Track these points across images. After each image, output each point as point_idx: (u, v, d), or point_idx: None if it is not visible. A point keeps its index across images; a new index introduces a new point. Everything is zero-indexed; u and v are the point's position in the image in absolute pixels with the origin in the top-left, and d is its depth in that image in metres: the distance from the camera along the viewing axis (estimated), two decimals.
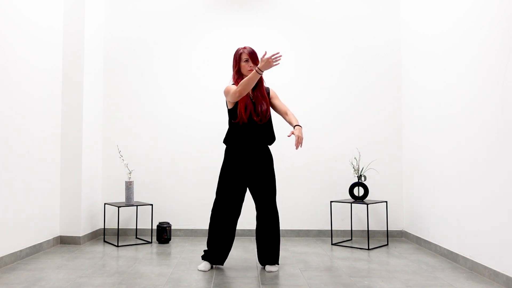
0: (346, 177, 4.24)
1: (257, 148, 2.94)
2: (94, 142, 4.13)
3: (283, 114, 3.01)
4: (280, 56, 2.61)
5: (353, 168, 3.95)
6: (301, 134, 2.82)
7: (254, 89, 2.96)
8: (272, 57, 2.61)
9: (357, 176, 3.91)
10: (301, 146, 2.82)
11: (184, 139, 4.33)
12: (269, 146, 3.02)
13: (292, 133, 2.82)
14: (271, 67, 2.63)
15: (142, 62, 4.38)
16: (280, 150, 4.32)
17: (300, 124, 2.92)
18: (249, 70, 2.90)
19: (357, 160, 4.05)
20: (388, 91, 4.33)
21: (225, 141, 2.99)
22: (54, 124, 3.72)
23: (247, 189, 3.01)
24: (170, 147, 4.33)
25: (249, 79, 2.68)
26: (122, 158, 4.13)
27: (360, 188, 4.14)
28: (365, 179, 3.92)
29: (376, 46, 4.36)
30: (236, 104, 2.90)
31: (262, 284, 2.64)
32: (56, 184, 3.76)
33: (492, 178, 2.71)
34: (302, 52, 4.38)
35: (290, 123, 2.94)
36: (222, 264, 3.03)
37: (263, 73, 2.68)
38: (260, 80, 2.97)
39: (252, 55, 2.92)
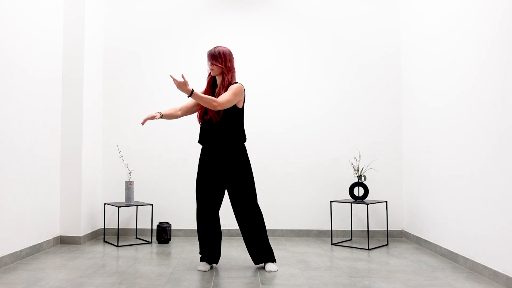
0: (346, 177, 4.24)
1: (220, 146, 2.94)
2: (94, 142, 4.13)
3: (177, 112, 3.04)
4: (151, 116, 2.84)
5: (353, 168, 3.95)
6: (178, 83, 2.64)
7: (219, 89, 2.98)
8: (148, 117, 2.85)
9: (357, 176, 3.91)
10: (173, 80, 2.66)
11: (184, 139, 4.33)
12: (244, 144, 3.00)
13: (182, 78, 2.67)
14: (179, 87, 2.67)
15: (142, 62, 4.38)
16: (280, 151, 4.32)
17: (193, 92, 2.67)
18: (210, 69, 2.99)
19: (357, 160, 4.05)
20: (388, 91, 4.33)
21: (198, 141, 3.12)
22: (54, 124, 3.72)
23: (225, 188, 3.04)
24: (170, 147, 4.33)
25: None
26: (122, 158, 4.13)
27: (360, 188, 4.14)
28: (365, 179, 3.92)
29: (376, 46, 4.36)
30: None
31: (262, 284, 2.64)
32: (56, 184, 3.76)
33: (492, 178, 2.71)
34: (302, 52, 4.38)
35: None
36: (217, 263, 3.04)
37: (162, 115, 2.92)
38: (222, 81, 2.96)
39: (211, 56, 2.94)
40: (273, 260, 2.99)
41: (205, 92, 3.04)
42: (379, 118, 4.32)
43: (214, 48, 2.98)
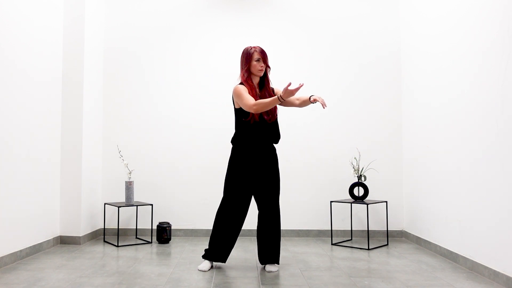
0: (346, 177, 4.24)
1: (266, 147, 2.96)
2: (94, 142, 4.13)
3: (295, 101, 2.97)
4: (302, 85, 2.64)
5: (353, 168, 3.95)
6: (319, 96, 2.80)
7: (261, 89, 2.99)
8: (295, 89, 2.61)
9: (357, 176, 3.91)
10: (326, 106, 2.75)
11: (184, 139, 4.33)
12: (274, 145, 3.05)
13: (315, 99, 2.76)
14: (292, 95, 2.65)
15: (142, 62, 4.38)
16: (280, 150, 4.31)
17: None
18: (259, 70, 2.92)
19: (357, 160, 4.05)
20: (388, 91, 4.33)
21: (233, 141, 2.99)
22: (54, 124, 3.72)
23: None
24: (170, 147, 4.33)
25: (268, 104, 2.70)
26: (122, 158, 4.13)
27: (360, 188, 4.13)
28: (365, 179, 3.92)
29: (376, 46, 4.36)
30: None
31: (262, 284, 2.64)
32: (56, 184, 3.76)
33: (492, 178, 2.71)
34: (302, 52, 4.38)
35: (305, 101, 2.91)
36: (224, 262, 3.02)
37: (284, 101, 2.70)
38: (267, 80, 3.02)
39: (263, 55, 2.94)
40: (277, 262, 2.99)
41: (251, 93, 2.89)
42: (379, 118, 4.32)
43: (258, 47, 2.95)
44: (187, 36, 4.40)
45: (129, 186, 3.92)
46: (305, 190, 4.29)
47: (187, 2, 4.43)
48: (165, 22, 4.41)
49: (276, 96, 2.67)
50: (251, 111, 2.75)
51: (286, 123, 4.32)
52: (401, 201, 4.26)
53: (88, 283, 2.63)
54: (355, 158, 4.07)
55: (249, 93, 2.86)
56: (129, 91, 4.37)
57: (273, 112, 2.94)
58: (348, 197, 4.15)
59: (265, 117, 2.90)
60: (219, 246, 2.96)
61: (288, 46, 4.40)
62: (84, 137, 3.88)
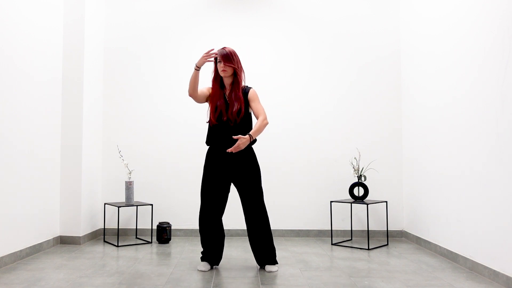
0: (346, 177, 4.24)
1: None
2: (94, 142, 4.13)
3: (256, 117, 2.98)
4: (214, 53, 2.84)
5: (353, 168, 3.95)
6: (242, 144, 2.78)
7: (230, 90, 2.97)
8: (205, 54, 2.82)
9: (357, 176, 3.91)
10: (233, 152, 2.79)
11: (184, 139, 4.33)
12: (252, 146, 2.99)
13: (237, 138, 2.78)
14: (204, 62, 2.85)
15: (142, 62, 4.38)
16: (280, 151, 4.32)
17: (253, 136, 2.83)
18: (221, 71, 2.92)
19: (357, 160, 4.05)
20: (388, 91, 4.33)
21: (205, 142, 3.04)
22: (54, 124, 3.72)
23: (236, 190, 3.03)
24: (170, 147, 4.33)
25: (191, 78, 2.87)
26: (122, 158, 4.13)
27: (360, 188, 4.13)
28: (365, 179, 3.92)
29: (376, 46, 4.36)
30: None
31: (262, 284, 2.64)
32: (56, 184, 3.76)
33: (492, 178, 2.71)
34: (302, 52, 4.38)
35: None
36: (217, 265, 3.04)
37: (200, 68, 2.87)
38: (237, 81, 2.97)
39: (224, 57, 2.89)
40: (275, 262, 2.99)
41: (215, 94, 2.96)
42: (379, 118, 4.32)
43: (223, 49, 2.93)
44: (187, 36, 4.40)
45: (129, 186, 3.92)
46: (305, 190, 4.29)
47: (187, 2, 4.43)
48: (165, 22, 4.41)
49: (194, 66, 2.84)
50: (189, 95, 2.91)
51: (286, 123, 4.33)
52: (401, 201, 4.26)
53: (88, 283, 2.63)
54: (355, 158, 4.07)
55: (211, 93, 3.00)
56: (129, 91, 4.37)
57: (233, 115, 2.89)
58: (348, 197, 4.15)
59: (223, 119, 2.90)
60: (209, 251, 2.99)
61: (288, 46, 4.40)
62: (84, 137, 3.88)
